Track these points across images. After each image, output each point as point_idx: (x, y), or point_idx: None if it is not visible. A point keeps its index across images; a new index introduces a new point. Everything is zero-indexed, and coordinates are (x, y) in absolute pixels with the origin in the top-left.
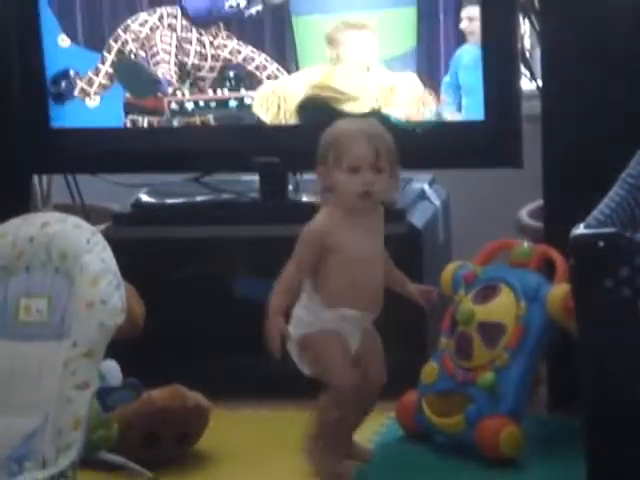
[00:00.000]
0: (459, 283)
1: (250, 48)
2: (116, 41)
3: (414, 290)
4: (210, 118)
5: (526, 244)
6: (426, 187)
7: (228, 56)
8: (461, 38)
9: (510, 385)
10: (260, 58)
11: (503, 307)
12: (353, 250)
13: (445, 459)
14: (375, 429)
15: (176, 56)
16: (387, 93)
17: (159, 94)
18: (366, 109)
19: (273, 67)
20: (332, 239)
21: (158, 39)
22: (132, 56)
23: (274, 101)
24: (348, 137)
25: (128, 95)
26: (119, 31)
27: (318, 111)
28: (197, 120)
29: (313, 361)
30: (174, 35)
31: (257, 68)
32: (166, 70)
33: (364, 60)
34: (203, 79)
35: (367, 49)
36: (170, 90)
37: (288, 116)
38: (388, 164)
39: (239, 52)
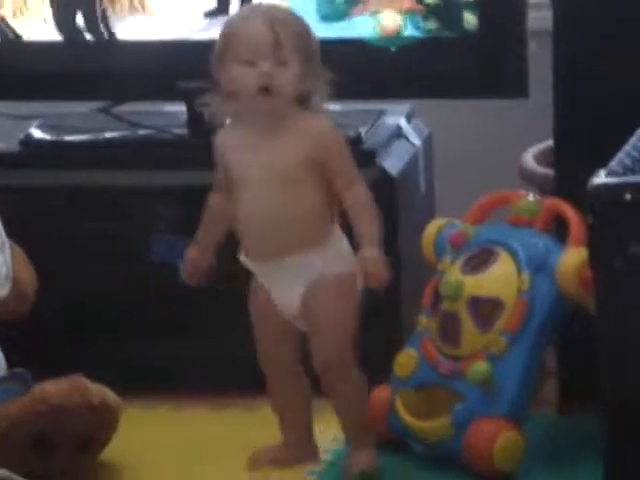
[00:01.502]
0: (444, 247)
1: None
2: None
3: (361, 260)
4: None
5: (531, 197)
6: (402, 122)
7: None
8: None
9: (509, 379)
10: None
11: (501, 278)
12: None
13: (424, 473)
14: (334, 435)
15: None
16: None
17: None
18: None
19: None
20: None
21: None
22: None
23: None
24: (242, 24)
25: None
26: None
27: None
28: (105, 34)
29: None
30: None
31: None
32: None
33: None
34: None
35: None
36: None
37: None
38: (295, 55)
39: None
